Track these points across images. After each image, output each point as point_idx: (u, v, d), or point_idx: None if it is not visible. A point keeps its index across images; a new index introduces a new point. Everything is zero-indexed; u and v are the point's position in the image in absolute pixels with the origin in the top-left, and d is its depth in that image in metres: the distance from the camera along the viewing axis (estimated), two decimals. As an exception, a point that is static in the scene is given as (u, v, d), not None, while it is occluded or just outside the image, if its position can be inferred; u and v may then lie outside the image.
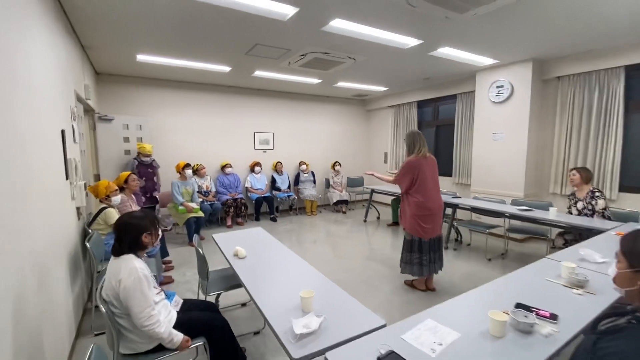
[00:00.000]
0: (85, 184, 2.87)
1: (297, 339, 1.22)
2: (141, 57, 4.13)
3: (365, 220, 6.08)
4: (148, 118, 5.17)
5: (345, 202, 6.87)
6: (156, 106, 5.42)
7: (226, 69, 4.71)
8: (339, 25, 3.08)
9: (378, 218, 6.33)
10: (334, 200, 6.72)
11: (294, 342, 1.21)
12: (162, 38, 3.48)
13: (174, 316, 1.72)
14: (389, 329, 1.30)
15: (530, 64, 4.33)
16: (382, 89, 6.46)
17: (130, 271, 1.53)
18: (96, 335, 2.41)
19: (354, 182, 7.42)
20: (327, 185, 7.07)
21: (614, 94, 3.91)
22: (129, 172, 3.50)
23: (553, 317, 1.36)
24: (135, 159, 4.55)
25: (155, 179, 4.73)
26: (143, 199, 4.48)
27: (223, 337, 1.78)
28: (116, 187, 3.23)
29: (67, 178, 2.41)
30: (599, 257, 2.03)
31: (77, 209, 2.72)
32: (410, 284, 3.24)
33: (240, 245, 2.32)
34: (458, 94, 5.68)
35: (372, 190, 6.02)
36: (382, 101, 7.45)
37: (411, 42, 3.56)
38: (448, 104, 6.16)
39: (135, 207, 3.58)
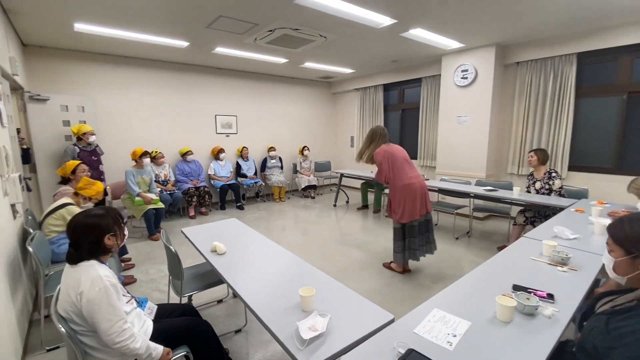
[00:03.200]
0: (20, 177, 2.42)
1: (306, 344, 1.11)
2: (80, 27, 3.55)
3: (335, 205, 6.05)
4: (92, 98, 4.53)
5: (313, 187, 6.77)
6: (102, 85, 4.77)
7: (184, 44, 4.25)
8: (314, -2, 2.86)
9: (347, 202, 6.34)
10: (303, 186, 6.59)
11: (302, 349, 1.09)
12: (106, 4, 2.99)
13: (149, 326, 1.50)
14: (399, 324, 1.23)
15: (494, 49, 4.47)
16: (349, 70, 6.34)
17: (94, 281, 1.29)
18: (49, 350, 2.09)
19: (322, 167, 7.33)
20: (295, 170, 6.90)
21: (566, 80, 4.18)
22: (77, 162, 3.06)
23: (550, 297, 1.39)
24: (75, 145, 3.96)
25: (100, 167, 4.19)
26: (91, 191, 3.96)
27: (208, 343, 1.61)
28: (103, 197, 2.85)
29: (-4, 170, 1.99)
30: (570, 233, 2.15)
31: (12, 206, 2.29)
32: (388, 266, 3.26)
33: (216, 239, 2.11)
34: (424, 78, 5.75)
35: (342, 175, 5.98)
36: (349, 84, 7.34)
37: (385, 21, 3.45)
38: (414, 87, 6.23)
39: (87, 203, 3.15)
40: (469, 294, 1.46)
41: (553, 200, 3.36)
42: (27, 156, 3.54)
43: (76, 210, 2.59)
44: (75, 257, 1.35)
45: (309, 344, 1.11)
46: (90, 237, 1.37)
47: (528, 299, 1.31)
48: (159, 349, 1.41)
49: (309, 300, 1.31)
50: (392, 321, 1.25)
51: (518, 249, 1.99)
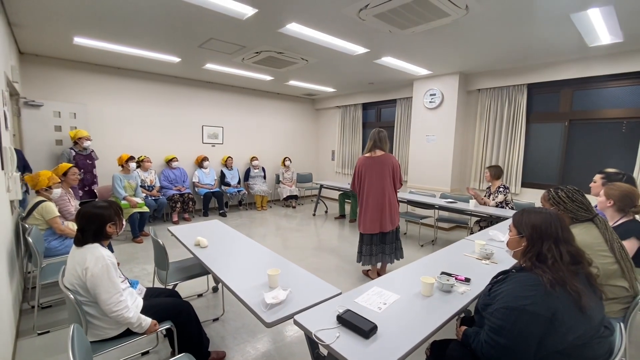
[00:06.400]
0: (21, 175, 2.64)
1: (268, 308, 1.42)
2: (79, 40, 3.83)
3: (314, 214, 6.38)
4: (84, 105, 4.76)
5: (295, 197, 7.09)
6: (94, 93, 5.01)
7: (175, 59, 4.58)
8: (295, 28, 3.27)
9: (326, 212, 6.68)
10: (284, 196, 6.90)
11: (265, 311, 1.41)
12: (108, 23, 3.30)
13: (140, 302, 1.77)
14: (344, 296, 1.56)
15: (457, 77, 5.02)
16: (331, 90, 6.81)
17: (97, 259, 1.57)
18: (40, 334, 2.29)
19: (304, 178, 7.67)
20: (277, 180, 7.22)
21: (519, 107, 4.74)
22: (70, 165, 3.28)
23: (467, 280, 1.76)
24: (71, 148, 4.18)
25: (94, 171, 4.41)
26: (80, 192, 4.16)
27: (189, 320, 1.88)
28: (59, 180, 3.02)
29: (2, 168, 2.23)
30: (502, 236, 2.56)
31: (11, 202, 2.51)
32: (366, 273, 3.54)
33: (200, 236, 2.40)
34: (398, 99, 6.27)
35: (321, 186, 6.34)
36: (330, 101, 7.81)
37: (359, 49, 3.90)
38: (389, 107, 6.74)
39: (74, 202, 3.37)
40: (405, 277, 1.82)
41: (501, 211, 3.81)
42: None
43: (49, 204, 2.78)
44: (81, 240, 1.63)
45: (271, 307, 1.43)
46: (95, 225, 1.65)
47: (448, 280, 1.68)
48: (147, 320, 1.68)
49: (274, 279, 1.63)
50: (339, 294, 1.58)
51: (456, 247, 2.38)
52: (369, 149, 3.26)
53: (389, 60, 4.37)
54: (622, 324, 1.27)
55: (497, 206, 3.97)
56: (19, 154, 3.73)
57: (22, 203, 3.12)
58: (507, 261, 2.08)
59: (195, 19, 3.12)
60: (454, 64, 4.61)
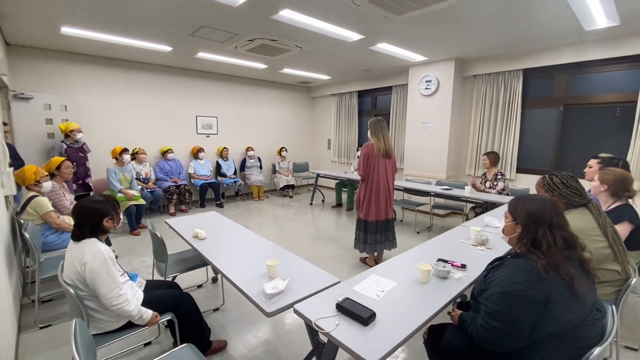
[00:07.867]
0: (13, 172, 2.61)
1: (268, 298, 1.44)
2: (66, 30, 3.72)
3: (311, 204, 6.40)
4: (75, 98, 4.67)
5: (291, 186, 7.09)
6: (84, 85, 4.90)
7: (167, 48, 4.48)
8: (289, 15, 3.20)
9: (323, 201, 6.70)
10: (281, 185, 6.90)
11: (266, 301, 1.43)
12: (95, 10, 3.20)
13: (140, 295, 1.79)
14: (342, 284, 1.58)
15: (453, 63, 4.97)
16: (326, 77, 6.73)
17: (96, 254, 1.57)
18: (41, 328, 2.30)
19: (300, 167, 7.66)
20: (274, 170, 7.20)
21: (514, 92, 4.72)
22: (62, 158, 3.24)
23: (463, 266, 1.79)
24: (63, 141, 4.12)
25: (87, 164, 4.36)
26: (75, 186, 4.13)
27: (190, 311, 1.90)
28: (46, 173, 2.98)
29: (-6, 164, 2.20)
30: (497, 222, 2.59)
31: (6, 197, 2.48)
32: (363, 261, 3.58)
33: (197, 228, 2.40)
34: (394, 86, 6.22)
35: (318, 175, 6.34)
36: (326, 89, 7.73)
37: (354, 36, 3.84)
38: (385, 94, 6.69)
39: (68, 196, 3.34)
40: (403, 264, 1.84)
41: (497, 197, 3.85)
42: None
43: (42, 199, 2.75)
44: (78, 235, 1.62)
45: (271, 297, 1.45)
46: (92, 219, 1.64)
47: (444, 267, 1.70)
48: (148, 312, 1.69)
49: (273, 269, 1.64)
50: (338, 282, 1.60)
51: (452, 234, 2.41)
52: (380, 138, 3.20)
53: (384, 47, 4.31)
54: (613, 307, 1.30)
55: (499, 194, 3.99)
56: (11, 149, 3.68)
57: (16, 198, 3.09)
58: (502, 247, 2.11)
59: (186, 6, 3.04)
60: (450, 49, 4.56)
